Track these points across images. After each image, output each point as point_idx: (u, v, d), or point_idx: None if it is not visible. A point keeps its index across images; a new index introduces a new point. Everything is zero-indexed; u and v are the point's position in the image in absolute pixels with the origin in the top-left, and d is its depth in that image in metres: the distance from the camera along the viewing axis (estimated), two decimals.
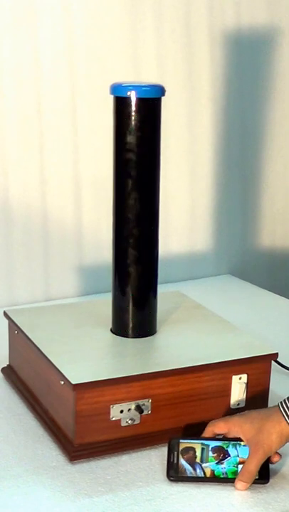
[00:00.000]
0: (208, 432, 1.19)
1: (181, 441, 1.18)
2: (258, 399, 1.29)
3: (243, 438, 1.16)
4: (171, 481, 1.14)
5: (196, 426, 1.23)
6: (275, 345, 1.37)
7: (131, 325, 1.33)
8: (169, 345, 1.32)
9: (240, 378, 1.27)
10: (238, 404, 1.28)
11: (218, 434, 1.19)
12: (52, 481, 1.13)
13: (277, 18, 2.13)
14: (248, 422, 1.16)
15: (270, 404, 1.31)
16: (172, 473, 1.15)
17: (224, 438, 1.18)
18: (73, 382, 1.15)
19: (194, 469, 1.14)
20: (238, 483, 1.13)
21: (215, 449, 1.16)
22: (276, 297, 2.00)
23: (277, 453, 1.15)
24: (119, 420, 1.20)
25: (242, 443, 1.16)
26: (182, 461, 1.15)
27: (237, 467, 1.14)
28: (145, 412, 1.21)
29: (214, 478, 1.14)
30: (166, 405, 1.23)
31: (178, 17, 1.97)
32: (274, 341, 1.48)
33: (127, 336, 1.34)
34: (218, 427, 1.19)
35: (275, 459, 1.16)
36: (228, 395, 1.27)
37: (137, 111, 1.25)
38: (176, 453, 1.16)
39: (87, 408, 1.17)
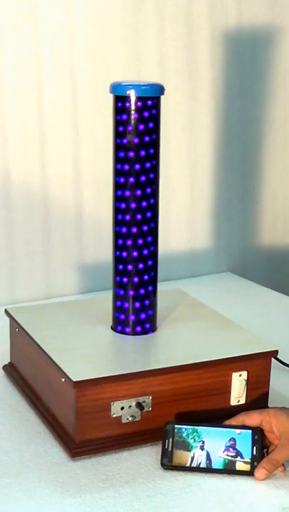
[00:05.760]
0: (237, 420, 1.19)
1: (176, 426, 1.18)
2: (258, 396, 1.30)
3: (275, 429, 1.16)
4: (165, 469, 1.15)
5: (189, 414, 1.24)
6: (275, 342, 1.37)
7: (131, 322, 1.34)
8: (169, 343, 1.33)
9: (240, 375, 1.28)
10: (238, 401, 1.28)
11: (245, 425, 1.18)
12: (53, 478, 1.13)
13: (278, 17, 2.14)
14: (284, 415, 1.16)
15: (270, 401, 1.31)
16: (166, 462, 1.15)
17: (228, 425, 1.18)
18: (74, 380, 1.16)
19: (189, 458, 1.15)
20: (260, 471, 1.13)
21: (212, 438, 1.16)
22: (276, 294, 2.01)
23: (282, 464, 1.16)
24: (120, 417, 1.20)
25: (243, 431, 1.16)
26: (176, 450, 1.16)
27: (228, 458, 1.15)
28: (146, 409, 1.21)
29: (210, 469, 1.14)
30: (166, 402, 1.23)
31: (179, 16, 1.97)
32: (274, 338, 1.49)
33: (127, 334, 1.34)
34: (250, 419, 1.18)
35: (280, 469, 1.16)
36: (228, 392, 1.28)
37: (137, 110, 1.25)
38: (171, 439, 1.16)
39: (88, 405, 1.18)
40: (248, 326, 1.46)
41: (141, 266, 1.32)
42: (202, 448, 1.16)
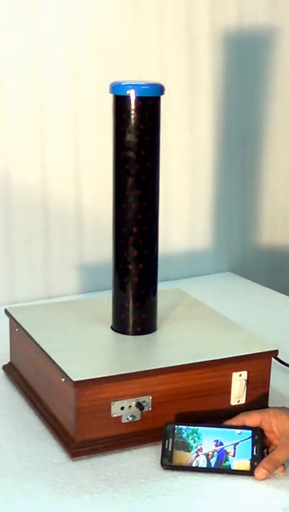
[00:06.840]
0: (237, 420, 1.19)
1: (176, 426, 1.18)
2: (258, 396, 1.30)
3: (275, 429, 1.16)
4: (165, 469, 1.15)
5: (189, 414, 1.24)
6: (275, 342, 1.38)
7: (131, 322, 1.34)
8: (169, 342, 1.33)
9: (240, 375, 1.28)
10: (238, 401, 1.28)
11: (245, 425, 1.19)
12: (53, 478, 1.13)
13: (278, 17, 2.14)
14: (284, 415, 1.16)
15: (270, 401, 1.31)
16: (166, 462, 1.15)
17: (228, 426, 1.18)
18: (74, 379, 1.16)
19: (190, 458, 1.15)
20: (260, 471, 1.12)
21: (212, 438, 1.16)
22: (276, 294, 2.01)
23: (282, 464, 1.16)
24: (120, 417, 1.20)
25: (243, 431, 1.16)
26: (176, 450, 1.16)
27: (228, 459, 1.15)
28: (146, 409, 1.21)
29: (210, 469, 1.14)
30: (166, 402, 1.23)
31: (179, 16, 1.97)
32: (274, 338, 1.49)
33: (127, 333, 1.34)
34: (250, 419, 1.18)
35: (280, 469, 1.16)
36: (229, 392, 1.28)
37: (137, 109, 1.25)
38: (171, 440, 1.16)
39: (88, 405, 1.18)
40: (247, 325, 1.46)
41: (141, 266, 1.32)
42: (202, 448, 1.16)
